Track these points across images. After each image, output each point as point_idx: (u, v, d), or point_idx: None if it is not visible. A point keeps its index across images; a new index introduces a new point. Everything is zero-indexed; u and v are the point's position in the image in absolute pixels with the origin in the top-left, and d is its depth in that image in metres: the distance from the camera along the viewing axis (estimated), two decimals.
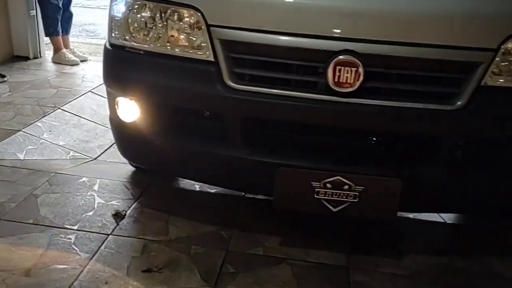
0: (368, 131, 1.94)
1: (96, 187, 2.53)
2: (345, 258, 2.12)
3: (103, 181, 2.59)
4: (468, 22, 1.83)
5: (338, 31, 1.82)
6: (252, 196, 2.54)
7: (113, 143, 3.20)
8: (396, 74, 1.85)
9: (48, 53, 4.92)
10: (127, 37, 2.04)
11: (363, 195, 1.92)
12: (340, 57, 1.80)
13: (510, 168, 1.97)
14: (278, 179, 1.94)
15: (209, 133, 2.02)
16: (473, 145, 1.94)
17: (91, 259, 2.00)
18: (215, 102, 1.95)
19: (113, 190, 2.52)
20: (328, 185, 1.92)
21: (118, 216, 2.29)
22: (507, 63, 1.85)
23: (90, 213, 2.30)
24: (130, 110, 2.12)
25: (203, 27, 1.90)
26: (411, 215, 2.53)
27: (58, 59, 4.73)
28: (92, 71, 4.47)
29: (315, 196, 1.94)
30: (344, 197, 1.93)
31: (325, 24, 1.83)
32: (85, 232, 2.16)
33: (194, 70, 1.95)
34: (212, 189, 2.62)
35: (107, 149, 3.25)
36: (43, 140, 3.15)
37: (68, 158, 3.05)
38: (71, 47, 4.93)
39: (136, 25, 2.02)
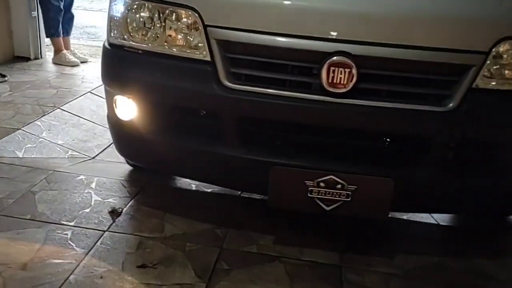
0: (361, 131, 1.97)
1: (93, 185, 2.56)
2: (338, 257, 2.15)
3: (100, 179, 2.62)
4: (460, 26, 1.87)
5: (332, 33, 1.86)
6: (248, 196, 2.58)
7: (111, 143, 3.24)
8: (388, 75, 1.88)
9: (48, 54, 4.96)
10: (125, 37, 2.08)
11: (355, 195, 1.95)
12: (334, 58, 1.84)
13: (500, 169, 2.00)
14: (272, 178, 1.96)
15: (205, 132, 2.05)
16: (464, 146, 1.97)
17: (87, 254, 2.02)
18: (211, 101, 1.98)
19: (110, 188, 2.55)
20: (322, 184, 1.95)
21: (114, 213, 2.32)
22: (498, 66, 1.88)
23: (87, 210, 2.33)
24: (128, 108, 2.15)
25: (200, 27, 1.94)
26: (404, 216, 2.56)
27: (59, 60, 4.77)
28: (92, 72, 4.51)
29: (309, 195, 1.97)
30: (337, 196, 1.96)
31: (319, 26, 1.87)
32: (81, 228, 2.19)
33: (191, 69, 1.98)
34: (208, 189, 2.65)
35: (105, 149, 3.28)
36: (42, 139, 3.19)
37: (67, 157, 3.09)
38: (72, 49, 4.97)
39: (134, 25, 2.06)
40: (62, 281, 1.86)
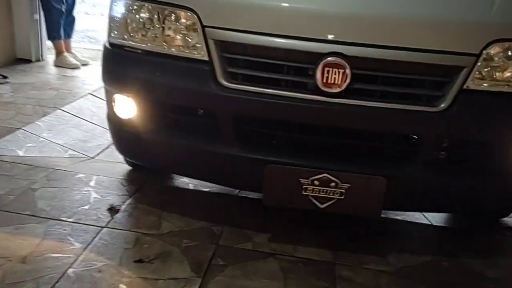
0: (355, 131, 2.01)
1: (92, 183, 2.60)
2: (332, 254, 2.19)
3: (99, 178, 2.66)
4: (451, 28, 1.91)
5: (327, 34, 1.90)
6: (244, 195, 2.62)
7: (111, 144, 3.28)
8: (382, 76, 1.93)
9: (50, 56, 5.01)
10: (125, 37, 2.13)
11: (349, 193, 1.99)
12: (329, 59, 1.89)
13: (491, 169, 2.04)
14: (267, 175, 2.01)
15: (203, 130, 2.09)
16: (456, 146, 2.02)
17: (85, 249, 2.06)
18: (208, 100, 2.03)
19: (109, 186, 2.59)
20: (316, 182, 1.99)
21: (113, 210, 2.36)
22: (489, 68, 1.93)
23: (86, 207, 2.37)
24: (127, 107, 2.20)
25: (198, 28, 1.99)
26: (398, 217, 2.60)
27: (60, 63, 4.83)
28: (92, 75, 4.56)
29: (303, 193, 2.01)
30: (330, 194, 2.00)
31: (314, 28, 1.91)
32: (80, 224, 2.23)
33: (189, 69, 2.03)
34: (206, 188, 2.70)
35: (104, 149, 3.32)
36: (43, 139, 3.23)
37: (66, 156, 3.13)
38: (73, 51, 5.03)
39: (134, 25, 2.10)
40: (61, 274, 1.89)
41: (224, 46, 1.98)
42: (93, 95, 4.09)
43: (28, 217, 2.24)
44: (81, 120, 3.66)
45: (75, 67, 4.80)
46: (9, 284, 1.82)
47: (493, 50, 1.91)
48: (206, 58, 1.99)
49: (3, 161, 2.78)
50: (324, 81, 1.90)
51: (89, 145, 3.35)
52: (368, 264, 2.15)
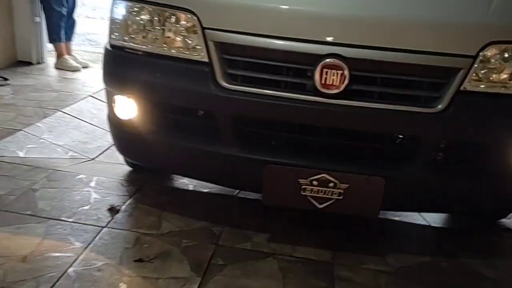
0: (353, 131, 2.03)
1: (92, 184, 2.62)
2: (330, 254, 2.20)
3: (100, 179, 2.68)
4: (449, 30, 1.93)
5: (326, 36, 1.93)
6: (243, 196, 2.63)
7: (111, 145, 3.31)
8: (379, 77, 1.95)
9: (50, 59, 5.03)
10: (126, 38, 2.15)
11: (347, 193, 2.01)
12: (327, 60, 1.91)
13: (488, 169, 2.06)
14: (266, 176, 2.03)
15: (203, 131, 2.11)
16: (453, 147, 2.04)
17: (85, 248, 2.08)
18: (208, 101, 2.05)
19: (109, 187, 2.61)
20: (314, 183, 2.01)
21: (113, 210, 2.38)
22: (486, 70, 1.95)
23: (86, 207, 2.39)
24: (128, 108, 2.22)
25: (198, 29, 2.01)
26: (397, 218, 2.62)
27: (60, 65, 4.85)
28: (93, 77, 4.59)
29: (302, 193, 2.03)
30: (329, 194, 2.02)
31: (313, 30, 1.94)
32: (80, 224, 2.24)
33: (189, 70, 2.05)
34: (205, 189, 2.71)
35: (104, 151, 3.34)
36: (43, 140, 3.25)
37: (67, 157, 3.15)
38: (73, 54, 5.05)
39: (135, 27, 2.13)
40: (61, 273, 1.91)
41: (223, 47, 2.00)
42: (94, 97, 4.11)
43: (28, 217, 2.26)
44: (81, 122, 3.68)
45: (76, 70, 4.82)
46: (10, 283, 1.83)
47: (490, 52, 1.93)
48: (206, 59, 2.02)
49: (3, 162, 2.79)
50: (323, 82, 1.92)
51: (89, 146, 3.37)
52: (366, 264, 2.16)
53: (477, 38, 1.93)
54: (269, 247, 2.22)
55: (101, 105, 3.83)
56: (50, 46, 4.99)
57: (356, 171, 2.01)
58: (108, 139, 3.33)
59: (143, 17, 2.11)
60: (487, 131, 2.01)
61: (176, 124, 2.16)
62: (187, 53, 2.05)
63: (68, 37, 4.97)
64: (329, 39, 1.92)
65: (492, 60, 1.94)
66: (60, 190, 2.52)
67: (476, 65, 1.92)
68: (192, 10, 2.01)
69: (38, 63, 4.91)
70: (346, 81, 1.91)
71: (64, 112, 3.71)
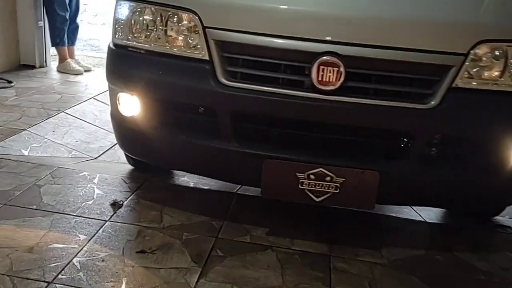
0: (349, 127, 2.09)
1: (96, 180, 2.68)
2: (328, 247, 2.26)
3: (102, 176, 2.74)
4: (441, 28, 2.01)
5: (322, 34, 2.00)
6: (243, 192, 2.70)
7: (113, 145, 3.39)
8: (374, 74, 2.02)
9: (53, 63, 5.12)
10: (129, 38, 2.22)
11: (343, 186, 2.07)
12: (324, 58, 1.98)
13: (480, 165, 2.12)
14: (265, 170, 2.09)
15: (203, 127, 2.18)
16: (446, 143, 2.10)
17: (89, 240, 2.14)
18: (208, 98, 2.12)
19: (112, 183, 2.67)
20: (312, 177, 2.08)
21: (115, 205, 2.44)
22: (477, 68, 2.01)
23: (90, 202, 2.45)
24: (131, 105, 2.29)
25: (199, 29, 2.09)
26: (392, 214, 2.68)
27: (63, 68, 4.93)
28: (95, 80, 4.66)
29: (300, 187, 2.09)
30: (326, 188, 2.09)
31: (310, 28, 2.01)
32: (84, 218, 2.31)
33: (190, 68, 2.12)
34: (205, 186, 2.78)
35: (107, 150, 3.41)
36: (47, 139, 3.32)
37: (70, 156, 3.22)
38: (76, 58, 5.13)
39: (138, 27, 2.20)
40: (66, 263, 1.97)
41: (224, 46, 2.07)
42: (96, 99, 4.19)
43: (34, 211, 2.32)
44: (84, 123, 3.75)
45: (78, 73, 4.90)
46: (16, 272, 1.90)
47: (481, 50, 2.00)
48: (206, 57, 2.09)
49: (9, 159, 2.86)
50: (319, 79, 1.99)
51: (92, 146, 3.44)
52: (362, 256, 2.22)
53: (468, 36, 1.99)
54: (267, 240, 2.28)
55: (103, 107, 3.92)
56: (53, 50, 5.07)
57: (351, 166, 2.08)
58: (110, 139, 3.43)
59: (146, 17, 2.18)
60: (479, 126, 2.07)
61: (177, 120, 2.23)
62: (188, 52, 2.13)
63: (71, 41, 5.05)
64: (326, 37, 1.99)
65: (483, 58, 2.01)
66: (64, 186, 2.59)
67: (467, 63, 1.99)
68: (194, 10, 2.09)
69: (41, 66, 4.99)
70: (342, 78, 1.98)
71: (67, 113, 3.79)
